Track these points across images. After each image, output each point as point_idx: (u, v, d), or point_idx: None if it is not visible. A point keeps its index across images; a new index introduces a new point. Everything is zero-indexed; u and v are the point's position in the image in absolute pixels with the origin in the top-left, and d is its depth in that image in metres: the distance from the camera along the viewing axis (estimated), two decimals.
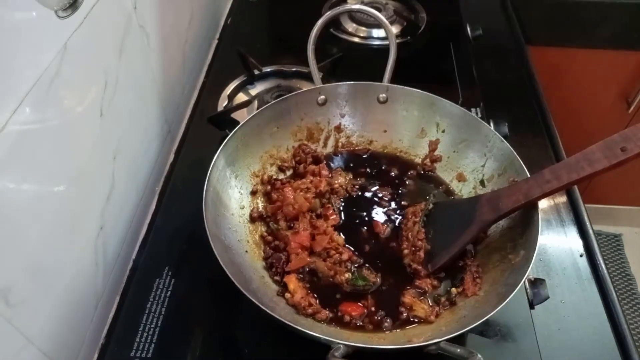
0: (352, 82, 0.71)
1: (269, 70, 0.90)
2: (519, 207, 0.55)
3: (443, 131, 0.69)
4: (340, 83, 0.71)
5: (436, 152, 0.70)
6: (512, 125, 0.80)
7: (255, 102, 0.83)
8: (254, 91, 0.88)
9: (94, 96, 0.58)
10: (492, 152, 0.65)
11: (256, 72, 0.89)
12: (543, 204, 0.60)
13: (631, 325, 1.47)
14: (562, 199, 0.74)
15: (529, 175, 0.59)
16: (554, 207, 0.73)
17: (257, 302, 0.47)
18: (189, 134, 0.82)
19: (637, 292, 1.59)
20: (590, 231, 0.70)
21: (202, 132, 0.80)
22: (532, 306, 0.59)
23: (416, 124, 0.71)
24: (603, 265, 0.66)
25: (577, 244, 0.68)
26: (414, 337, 0.50)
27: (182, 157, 0.78)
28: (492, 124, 0.77)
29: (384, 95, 0.71)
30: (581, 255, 0.67)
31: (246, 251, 0.60)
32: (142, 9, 0.69)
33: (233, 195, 0.63)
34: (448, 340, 0.44)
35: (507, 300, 0.47)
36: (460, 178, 0.69)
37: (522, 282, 0.48)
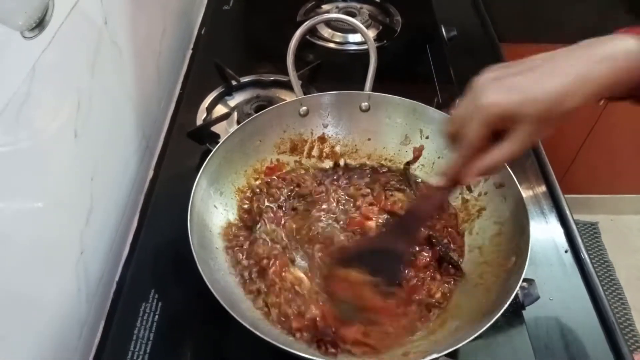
0: (333, 92, 0.70)
1: (247, 80, 0.89)
2: (432, 212, 0.58)
3: (427, 137, 0.69)
4: (321, 93, 0.71)
5: (421, 159, 0.70)
6: None
7: (235, 114, 0.81)
8: (232, 102, 0.86)
9: (67, 117, 0.56)
10: None
11: (234, 82, 0.87)
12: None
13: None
14: (541, 189, 0.75)
15: (515, 180, 0.59)
16: (534, 197, 0.74)
17: (248, 327, 0.46)
18: (168, 149, 0.80)
19: (615, 278, 1.64)
20: (573, 225, 0.71)
21: (181, 146, 0.78)
22: (523, 307, 0.60)
23: (400, 131, 0.71)
24: (588, 260, 0.67)
25: (561, 239, 0.69)
26: (411, 353, 0.49)
27: (162, 173, 0.76)
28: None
29: (366, 103, 0.70)
30: (566, 251, 0.68)
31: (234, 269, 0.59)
32: (113, 24, 0.67)
33: (218, 214, 0.62)
34: (447, 355, 0.44)
35: (504, 308, 0.47)
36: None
37: (516, 289, 0.48)
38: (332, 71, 0.91)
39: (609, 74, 0.42)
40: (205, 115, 0.83)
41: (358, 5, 1.07)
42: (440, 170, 0.52)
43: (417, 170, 0.71)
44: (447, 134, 0.48)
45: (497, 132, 0.44)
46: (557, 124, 0.43)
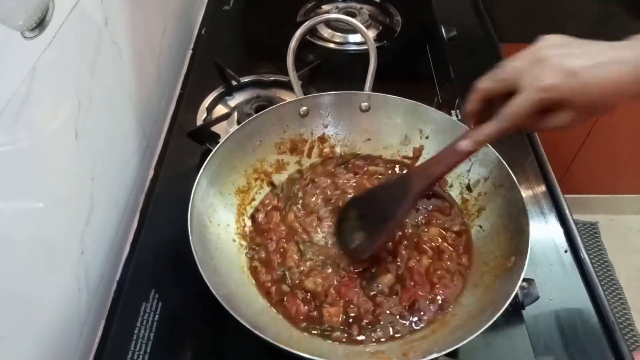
0: (333, 92, 0.70)
1: (247, 80, 0.89)
2: (448, 170, 0.55)
3: (427, 137, 0.70)
4: (322, 94, 0.71)
5: (420, 159, 0.70)
6: None
7: (235, 114, 0.81)
8: (232, 102, 0.86)
9: (67, 117, 0.56)
10: (477, 157, 0.65)
11: (234, 82, 0.87)
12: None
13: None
14: (541, 188, 0.75)
15: (515, 181, 0.59)
16: (533, 197, 0.74)
17: (248, 326, 0.46)
18: (169, 148, 0.80)
19: (615, 278, 1.64)
20: (573, 225, 0.71)
21: (182, 146, 0.78)
22: (522, 307, 0.60)
23: (400, 131, 0.71)
24: (587, 260, 0.67)
25: (561, 239, 0.69)
26: (410, 352, 0.49)
27: (162, 173, 0.76)
28: (472, 126, 0.77)
29: (366, 103, 0.70)
30: (565, 251, 0.68)
31: (234, 270, 0.59)
32: (114, 24, 0.67)
33: (218, 214, 0.62)
34: (447, 355, 0.44)
35: (503, 308, 0.47)
36: (445, 183, 0.69)
37: (516, 289, 0.48)
38: (332, 71, 0.91)
39: None
40: (205, 115, 0.83)
41: (358, 6, 1.07)
42: (467, 135, 0.51)
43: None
44: (484, 89, 0.48)
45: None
46: (602, 114, 0.44)
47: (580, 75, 0.41)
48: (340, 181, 0.69)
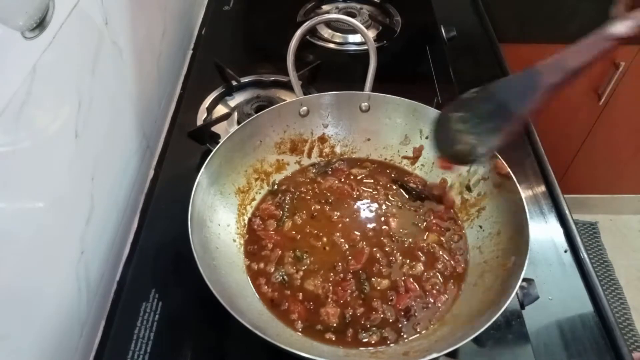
0: (333, 92, 0.70)
1: (247, 80, 0.89)
2: (597, 57, 0.47)
3: (427, 137, 0.70)
4: (322, 94, 0.71)
5: (420, 159, 0.70)
6: None
7: (235, 114, 0.81)
8: (233, 102, 0.86)
9: (67, 116, 0.56)
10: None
11: (234, 83, 0.87)
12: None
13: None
14: (541, 188, 0.75)
15: (515, 181, 0.59)
16: (533, 197, 0.74)
17: (248, 326, 0.46)
18: (169, 148, 0.80)
19: (614, 278, 1.64)
20: (573, 225, 0.71)
21: (182, 146, 0.78)
22: (522, 307, 0.60)
23: (400, 132, 0.71)
24: (587, 260, 0.67)
25: (560, 239, 0.69)
26: (410, 352, 0.49)
27: (162, 172, 0.76)
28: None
29: (366, 104, 0.70)
30: (565, 251, 0.68)
31: (234, 270, 0.59)
32: (114, 24, 0.67)
33: (218, 214, 0.62)
34: (447, 355, 0.44)
35: (503, 308, 0.47)
36: (444, 183, 0.69)
37: (516, 289, 0.49)
38: (332, 71, 0.91)
39: None
40: (205, 115, 0.83)
41: (358, 6, 1.07)
42: (615, 19, 0.45)
43: (416, 170, 0.71)
44: None
45: None
46: None
47: None
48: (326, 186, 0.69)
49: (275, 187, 0.69)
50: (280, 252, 0.62)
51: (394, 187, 0.70)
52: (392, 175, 0.71)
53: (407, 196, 0.69)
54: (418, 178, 0.71)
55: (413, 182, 0.70)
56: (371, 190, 0.69)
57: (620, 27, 0.46)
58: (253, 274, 0.60)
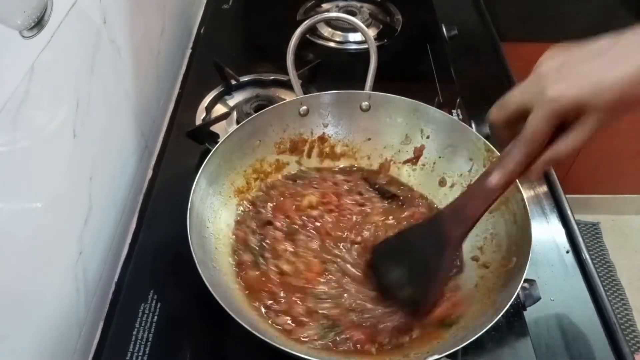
0: (334, 92, 0.70)
1: (246, 79, 0.88)
2: (485, 209, 0.50)
3: (428, 137, 0.69)
4: (321, 93, 0.70)
5: (421, 159, 0.70)
6: None
7: (234, 114, 0.81)
8: (232, 102, 0.86)
9: (65, 116, 0.56)
10: (479, 157, 0.64)
11: (233, 82, 0.87)
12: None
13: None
14: (542, 189, 0.75)
15: (516, 181, 0.58)
16: (535, 197, 0.74)
17: (247, 327, 0.46)
18: (167, 148, 0.79)
19: (616, 278, 1.63)
20: (574, 225, 0.70)
21: (181, 146, 0.78)
22: (524, 308, 0.60)
23: (400, 131, 0.70)
24: (589, 261, 0.67)
25: (562, 239, 0.69)
26: (412, 353, 0.49)
27: (161, 172, 0.76)
28: (473, 125, 0.77)
29: (366, 103, 0.70)
30: (567, 252, 0.68)
31: (234, 270, 0.58)
32: (112, 23, 0.66)
33: (217, 214, 0.62)
34: (448, 356, 0.44)
35: (504, 310, 0.47)
36: (444, 184, 0.68)
37: (518, 290, 0.48)
38: (332, 70, 0.90)
39: None
40: (204, 114, 0.83)
41: (358, 4, 1.06)
42: (493, 167, 0.47)
43: (416, 169, 0.71)
44: (497, 120, 0.46)
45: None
46: (627, 113, 0.41)
47: (589, 74, 0.40)
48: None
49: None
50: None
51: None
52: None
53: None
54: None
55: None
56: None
57: (494, 179, 0.47)
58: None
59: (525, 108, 0.43)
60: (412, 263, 0.55)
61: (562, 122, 0.42)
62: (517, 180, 0.59)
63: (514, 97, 0.44)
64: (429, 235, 0.54)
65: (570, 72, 0.41)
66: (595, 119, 0.41)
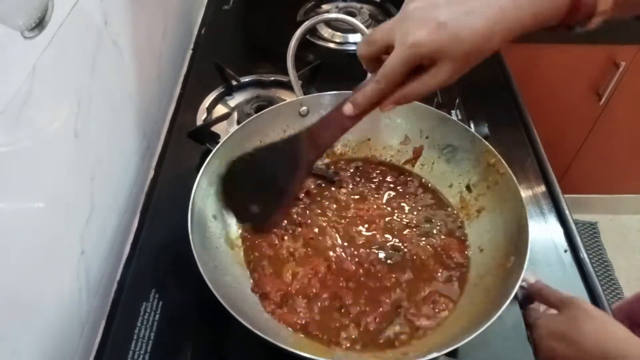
0: (333, 92, 0.70)
1: (247, 80, 0.89)
2: (337, 138, 0.52)
3: (427, 137, 0.70)
4: (322, 93, 0.71)
5: (420, 158, 0.70)
6: (491, 124, 0.81)
7: (235, 114, 0.81)
8: (233, 102, 0.86)
9: (67, 116, 0.56)
10: (478, 157, 0.65)
11: (234, 82, 0.87)
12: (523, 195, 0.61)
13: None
14: (540, 188, 0.75)
15: (515, 181, 0.59)
16: (533, 197, 0.74)
17: (249, 326, 0.46)
18: (169, 148, 0.80)
19: (614, 278, 1.64)
20: (572, 225, 0.71)
21: (182, 146, 0.78)
22: (522, 307, 0.60)
23: (400, 131, 0.71)
24: (587, 260, 0.67)
25: (560, 239, 0.69)
26: (410, 351, 0.50)
27: (162, 172, 0.76)
28: (472, 125, 0.77)
29: None
30: (565, 251, 0.68)
31: (235, 270, 0.59)
32: (114, 24, 0.67)
33: (218, 214, 0.62)
34: (446, 354, 0.44)
35: (503, 308, 0.47)
36: (445, 183, 0.69)
37: (516, 289, 0.49)
38: (332, 71, 0.91)
39: (533, 6, 0.41)
40: (205, 115, 0.83)
41: (358, 5, 1.07)
42: (349, 98, 0.49)
43: (417, 169, 0.71)
44: (364, 55, 0.47)
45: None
46: (479, 61, 0.43)
47: (449, 25, 0.41)
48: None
49: None
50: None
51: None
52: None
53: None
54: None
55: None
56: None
57: (347, 108, 0.49)
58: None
59: (388, 45, 0.44)
60: (263, 181, 0.56)
61: (418, 65, 0.44)
62: (515, 180, 0.59)
63: (379, 35, 0.45)
64: (283, 156, 0.55)
65: (432, 17, 0.42)
66: (449, 67, 0.42)
